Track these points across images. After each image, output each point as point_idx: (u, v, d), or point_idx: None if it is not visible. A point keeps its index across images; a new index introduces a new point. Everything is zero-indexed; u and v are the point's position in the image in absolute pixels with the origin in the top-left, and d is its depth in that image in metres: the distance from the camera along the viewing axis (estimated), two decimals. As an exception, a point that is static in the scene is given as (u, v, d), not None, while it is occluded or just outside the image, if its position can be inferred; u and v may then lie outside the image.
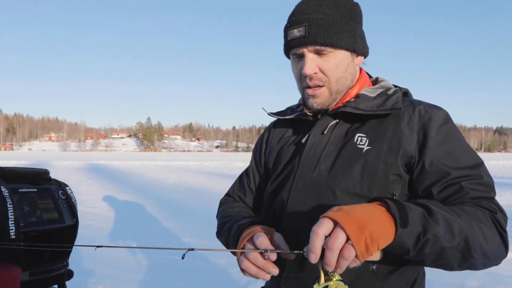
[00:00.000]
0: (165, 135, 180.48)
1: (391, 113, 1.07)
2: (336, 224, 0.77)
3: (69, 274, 1.91)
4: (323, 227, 0.77)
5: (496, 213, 0.93)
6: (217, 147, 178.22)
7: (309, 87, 1.10)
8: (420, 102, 1.11)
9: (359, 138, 1.08)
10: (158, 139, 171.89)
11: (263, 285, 1.27)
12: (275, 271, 0.89)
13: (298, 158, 1.15)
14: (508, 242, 0.92)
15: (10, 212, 1.62)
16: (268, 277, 0.91)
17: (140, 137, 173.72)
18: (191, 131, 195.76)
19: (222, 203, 1.40)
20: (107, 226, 5.80)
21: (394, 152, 1.03)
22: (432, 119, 1.05)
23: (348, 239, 0.75)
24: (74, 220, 1.98)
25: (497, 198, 1.00)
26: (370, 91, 1.15)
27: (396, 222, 0.79)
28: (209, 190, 10.17)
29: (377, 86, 1.18)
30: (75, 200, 2.06)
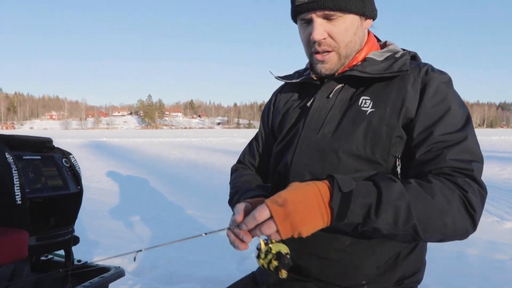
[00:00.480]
0: (166, 113, 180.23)
1: (398, 75, 1.06)
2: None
3: (75, 240, 1.94)
4: (261, 213, 0.85)
5: (467, 192, 0.91)
6: (218, 124, 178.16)
7: (317, 52, 1.10)
8: (426, 64, 1.11)
9: (364, 101, 1.08)
10: (159, 117, 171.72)
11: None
12: (240, 246, 0.94)
13: (303, 121, 1.16)
14: (476, 220, 0.92)
15: (16, 178, 1.64)
16: (238, 247, 0.95)
17: (141, 114, 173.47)
18: (192, 108, 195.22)
19: (234, 170, 1.43)
20: (110, 200, 5.85)
21: (397, 113, 1.03)
22: (432, 80, 1.05)
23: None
24: (79, 187, 2.00)
25: (498, 172, 0.99)
26: (378, 55, 1.14)
27: (332, 216, 0.85)
28: (211, 165, 10.21)
29: (384, 49, 1.17)
30: (79, 168, 2.07)
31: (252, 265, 3.05)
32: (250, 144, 1.45)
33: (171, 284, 2.72)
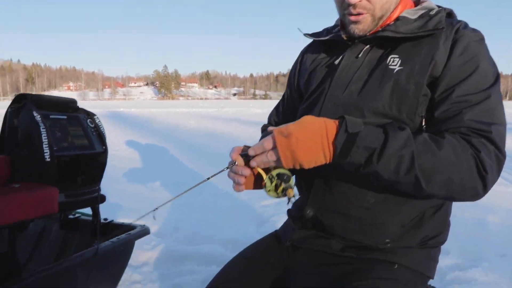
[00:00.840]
0: (182, 83, 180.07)
1: (433, 33, 1.02)
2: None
3: (102, 198, 1.99)
4: (268, 142, 0.90)
5: (480, 152, 0.89)
6: (234, 94, 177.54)
7: (351, 14, 1.06)
8: (459, 22, 1.06)
9: (392, 59, 1.05)
10: (175, 87, 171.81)
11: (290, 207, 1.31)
12: (240, 180, 1.00)
13: (330, 79, 1.14)
14: (488, 182, 0.90)
15: (44, 136, 1.67)
16: (238, 183, 1.01)
17: (157, 85, 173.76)
18: (208, 79, 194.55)
19: (262, 130, 1.45)
20: (130, 166, 5.95)
21: (425, 72, 1.00)
22: (463, 37, 1.01)
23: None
24: (104, 147, 2.04)
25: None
26: (411, 13, 1.10)
27: (335, 154, 0.88)
28: (228, 135, 10.23)
29: (418, 7, 1.13)
30: (103, 128, 2.10)
31: (271, 227, 3.10)
32: (277, 104, 1.46)
33: (193, 245, 2.78)
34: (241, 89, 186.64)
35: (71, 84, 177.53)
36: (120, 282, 2.11)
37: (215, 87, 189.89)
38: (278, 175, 0.95)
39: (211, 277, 1.20)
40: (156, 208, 1.10)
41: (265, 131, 1.19)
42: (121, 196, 4.03)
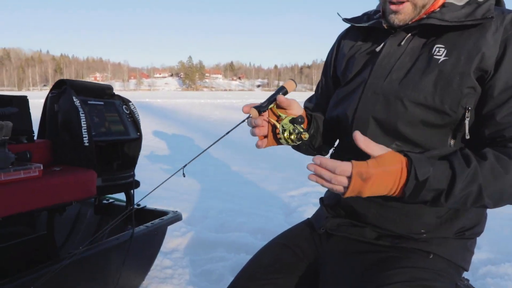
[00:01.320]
0: (206, 74, 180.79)
1: (482, 23, 0.98)
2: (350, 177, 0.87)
3: (136, 184, 2.03)
4: (342, 171, 0.88)
5: None
6: (258, 86, 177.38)
7: (392, 2, 1.03)
8: (511, 12, 1.00)
9: (437, 49, 1.01)
10: (199, 78, 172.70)
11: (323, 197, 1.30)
12: (260, 143, 1.06)
13: (370, 67, 1.10)
14: None
15: (83, 121, 1.70)
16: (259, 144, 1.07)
17: (182, 76, 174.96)
18: (232, 70, 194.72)
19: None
20: (157, 155, 6.02)
21: (472, 63, 0.96)
22: None
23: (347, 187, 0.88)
24: (138, 133, 2.06)
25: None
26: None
27: (402, 196, 0.89)
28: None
29: None
30: (138, 115, 2.13)
31: (299, 218, 3.10)
32: (311, 96, 1.44)
33: (222, 233, 2.81)
34: (265, 80, 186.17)
35: (97, 74, 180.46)
36: (152, 267, 2.15)
37: (239, 78, 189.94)
38: (291, 121, 0.99)
39: (240, 264, 1.20)
40: (184, 166, 1.18)
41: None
42: (149, 184, 4.06)
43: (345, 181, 0.86)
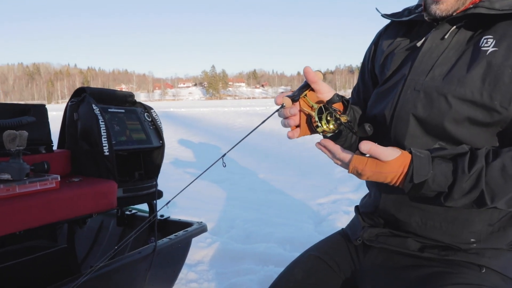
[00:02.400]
0: (229, 83, 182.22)
1: None
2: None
3: (159, 194, 1.94)
4: (343, 158, 0.93)
5: None
6: (281, 93, 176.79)
7: None
8: None
9: (485, 40, 0.92)
10: (223, 87, 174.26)
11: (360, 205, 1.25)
12: (292, 133, 1.01)
13: (411, 63, 1.03)
14: None
15: (103, 130, 1.63)
16: (290, 134, 1.01)
17: (205, 85, 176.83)
18: (255, 78, 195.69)
19: None
20: (181, 163, 6.00)
21: None
22: None
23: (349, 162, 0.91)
24: (161, 142, 1.98)
25: None
26: None
27: (409, 191, 0.89)
28: (279, 132, 10.07)
29: None
30: (161, 123, 2.05)
31: (329, 227, 2.96)
32: (351, 93, 1.37)
33: (249, 243, 2.70)
34: (288, 87, 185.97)
35: (123, 86, 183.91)
36: (177, 281, 2.05)
37: (262, 86, 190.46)
38: (325, 107, 0.94)
39: (269, 277, 1.12)
40: (225, 153, 1.12)
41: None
42: (173, 193, 4.02)
43: (344, 165, 0.93)
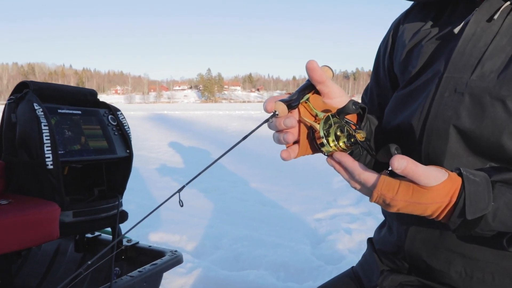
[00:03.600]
0: (225, 86, 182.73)
1: None
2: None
3: (123, 216, 1.57)
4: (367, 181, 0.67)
5: None
6: (274, 96, 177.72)
7: None
8: None
9: None
10: (218, 90, 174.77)
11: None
12: (288, 153, 0.71)
13: (446, 56, 0.80)
14: None
15: (46, 136, 1.25)
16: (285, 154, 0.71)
17: (201, 88, 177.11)
18: (250, 82, 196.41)
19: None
20: (170, 170, 5.67)
21: None
22: None
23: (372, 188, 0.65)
24: (128, 151, 1.61)
25: None
26: None
27: (456, 228, 0.66)
28: (272, 137, 9.84)
29: None
30: (129, 127, 1.68)
31: (329, 250, 2.60)
32: (362, 98, 1.13)
33: (237, 269, 2.33)
34: (284, 92, 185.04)
35: (118, 88, 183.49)
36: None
37: (258, 90, 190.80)
38: (339, 112, 0.66)
39: None
40: (182, 187, 0.71)
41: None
42: (156, 203, 3.65)
43: (364, 190, 0.69)
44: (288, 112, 0.68)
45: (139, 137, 10.09)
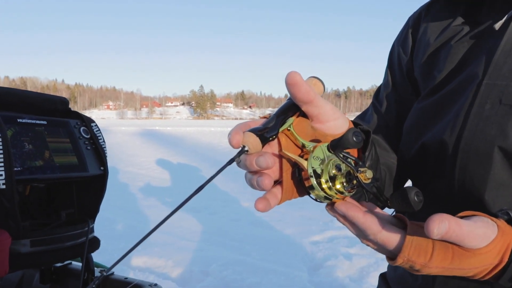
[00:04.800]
0: (217, 103, 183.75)
1: None
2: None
3: (93, 244, 1.35)
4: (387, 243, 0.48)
5: None
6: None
7: None
8: None
9: None
10: (210, 107, 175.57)
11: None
12: (263, 203, 0.50)
13: (485, 59, 0.66)
14: None
15: (-3, 149, 1.06)
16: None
17: (193, 105, 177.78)
18: (243, 99, 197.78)
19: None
20: (158, 188, 5.47)
21: None
22: None
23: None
24: (102, 168, 1.39)
25: None
26: None
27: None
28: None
29: None
30: (104, 141, 1.47)
31: (328, 277, 2.38)
32: (365, 111, 0.95)
33: (227, 300, 2.10)
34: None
35: (110, 103, 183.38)
36: None
37: (250, 107, 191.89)
38: (333, 145, 0.48)
39: None
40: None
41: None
42: (146, 225, 3.44)
43: (383, 251, 0.50)
44: (263, 146, 0.49)
45: (128, 152, 9.87)
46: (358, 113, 1.00)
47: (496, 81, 0.65)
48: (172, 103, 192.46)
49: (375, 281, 0.98)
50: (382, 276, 0.91)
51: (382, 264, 2.50)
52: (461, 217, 0.49)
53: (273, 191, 0.51)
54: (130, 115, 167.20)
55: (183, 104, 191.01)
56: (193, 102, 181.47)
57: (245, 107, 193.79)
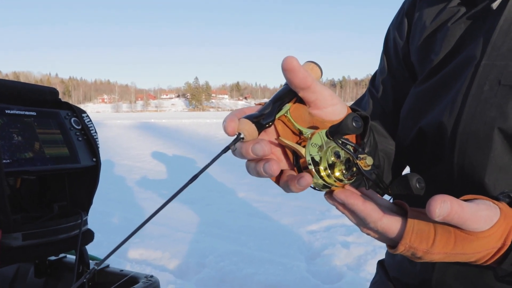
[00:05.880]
0: (212, 95, 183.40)
1: None
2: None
3: (87, 237, 1.33)
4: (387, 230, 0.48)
5: None
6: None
7: None
8: None
9: None
10: (206, 99, 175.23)
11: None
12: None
13: (483, 39, 0.65)
14: None
15: (-15, 141, 1.04)
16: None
17: (188, 97, 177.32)
18: (238, 90, 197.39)
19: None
20: (154, 180, 5.47)
21: None
22: None
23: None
24: (94, 159, 1.37)
25: None
26: None
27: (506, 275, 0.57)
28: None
29: None
30: (96, 132, 1.45)
31: (325, 266, 2.38)
32: (362, 97, 0.93)
33: (223, 290, 2.10)
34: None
35: (105, 96, 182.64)
36: None
37: (245, 98, 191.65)
38: (332, 131, 0.46)
39: None
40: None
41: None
42: (141, 217, 3.42)
43: (383, 239, 0.50)
44: (259, 133, 0.47)
45: (123, 145, 9.84)
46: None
47: (495, 62, 0.63)
48: (167, 95, 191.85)
49: (373, 269, 0.97)
50: (380, 263, 0.90)
51: (379, 252, 2.50)
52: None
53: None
54: (125, 108, 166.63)
55: (178, 96, 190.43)
56: (188, 94, 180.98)
57: (241, 98, 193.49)
